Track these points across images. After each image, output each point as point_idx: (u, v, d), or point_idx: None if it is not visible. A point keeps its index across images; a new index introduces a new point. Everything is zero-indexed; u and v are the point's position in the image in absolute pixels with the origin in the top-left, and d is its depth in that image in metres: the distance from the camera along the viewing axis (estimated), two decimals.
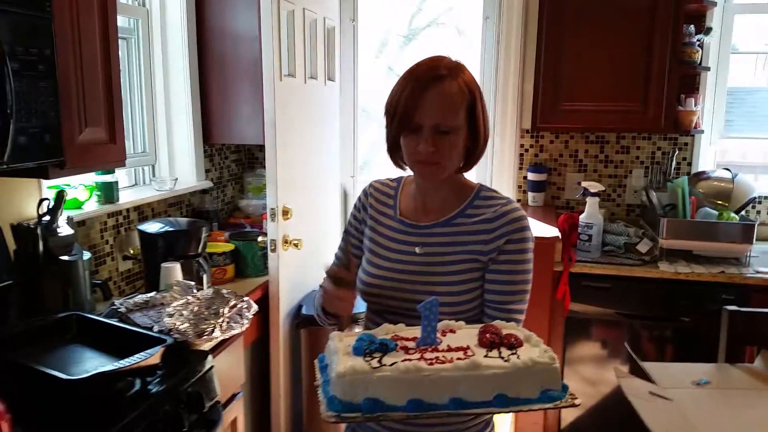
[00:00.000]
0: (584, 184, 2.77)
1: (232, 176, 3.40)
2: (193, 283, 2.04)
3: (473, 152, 1.29)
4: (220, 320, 1.73)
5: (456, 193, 1.34)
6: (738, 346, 1.85)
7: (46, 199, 1.90)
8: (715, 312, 2.01)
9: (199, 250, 2.36)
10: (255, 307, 1.85)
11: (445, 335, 1.12)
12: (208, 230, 2.41)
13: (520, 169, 3.34)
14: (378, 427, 1.33)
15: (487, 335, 1.08)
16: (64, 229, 1.92)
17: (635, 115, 2.84)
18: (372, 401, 0.98)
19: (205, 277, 2.35)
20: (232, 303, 1.80)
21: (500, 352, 1.04)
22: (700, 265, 2.63)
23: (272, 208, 2.56)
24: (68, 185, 2.29)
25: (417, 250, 1.33)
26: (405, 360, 1.01)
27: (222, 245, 2.68)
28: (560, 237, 2.67)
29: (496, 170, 3.33)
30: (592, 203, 2.74)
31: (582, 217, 2.76)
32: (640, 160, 3.22)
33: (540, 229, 2.74)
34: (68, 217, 2.01)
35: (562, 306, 2.68)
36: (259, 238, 2.69)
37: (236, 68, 2.93)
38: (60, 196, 1.87)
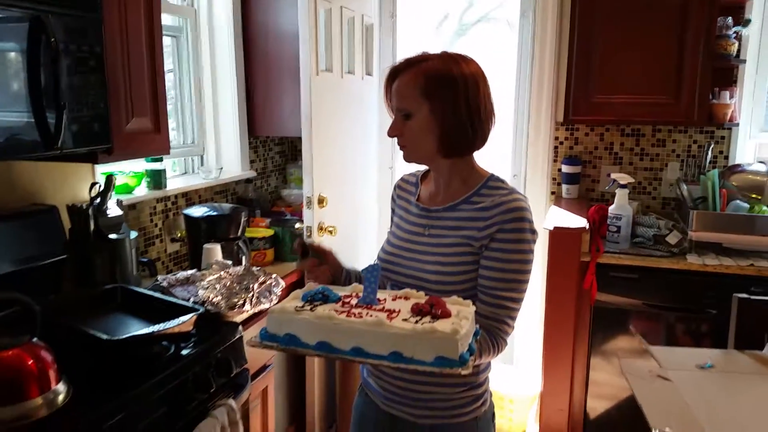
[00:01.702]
0: (614, 175, 2.80)
1: (275, 167, 3.56)
2: (230, 262, 2.20)
3: (450, 136, 1.35)
4: (250, 295, 1.88)
5: (464, 181, 1.42)
6: (753, 334, 1.87)
7: (97, 183, 2.08)
8: None
9: (239, 233, 2.52)
10: (282, 284, 1.99)
11: (395, 300, 1.24)
12: (247, 215, 2.57)
13: (555, 161, 3.37)
14: (377, 384, 1.46)
15: (419, 304, 1.18)
16: (113, 211, 2.10)
17: (668, 107, 2.84)
18: (290, 336, 1.16)
19: (244, 258, 2.52)
20: (261, 279, 1.95)
21: (418, 320, 1.13)
22: (730, 257, 2.62)
23: (308, 197, 2.70)
24: (121, 172, 2.49)
25: (426, 232, 1.42)
26: (331, 310, 1.16)
27: (263, 231, 2.85)
28: (587, 228, 2.70)
29: (531, 162, 3.37)
30: (621, 195, 2.76)
31: (611, 209, 2.78)
32: (675, 153, 3.21)
33: (567, 220, 2.78)
34: (118, 200, 2.20)
35: (589, 296, 2.72)
36: (296, 225, 2.84)
37: (279, 64, 3.08)
38: (109, 181, 2.05)
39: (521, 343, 3.55)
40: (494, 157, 3.95)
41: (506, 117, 3.62)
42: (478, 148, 1.41)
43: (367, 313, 1.15)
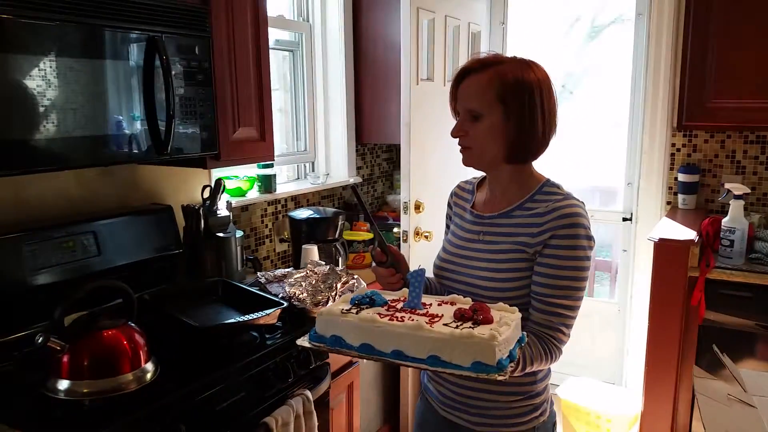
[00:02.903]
0: (728, 185, 2.60)
1: (382, 173, 3.68)
2: (323, 262, 2.33)
3: (518, 143, 1.34)
4: (333, 293, 1.99)
5: (519, 187, 1.41)
6: None
7: (209, 186, 2.30)
8: None
9: (337, 235, 2.65)
10: (363, 284, 2.07)
11: (440, 305, 1.27)
12: (344, 219, 2.70)
13: (671, 169, 3.19)
14: (435, 390, 1.50)
15: (462, 309, 1.21)
16: (222, 212, 2.31)
17: None
18: (335, 338, 1.23)
19: (340, 259, 2.65)
20: (344, 279, 2.05)
21: (459, 325, 1.16)
22: None
23: (405, 202, 2.78)
24: (235, 176, 2.72)
25: (480, 238, 1.43)
26: (375, 313, 1.21)
27: (363, 234, 2.97)
28: (696, 240, 2.54)
29: (645, 170, 3.23)
30: (736, 206, 2.56)
31: (724, 221, 2.59)
32: None
33: (676, 231, 2.63)
34: (228, 202, 2.41)
35: (697, 313, 2.56)
36: (395, 229, 2.93)
37: (386, 73, 3.18)
38: (218, 184, 2.26)
39: (630, 362, 3.40)
40: (608, 164, 3.81)
41: (621, 122, 3.48)
42: (541, 154, 1.41)
43: (410, 317, 1.20)
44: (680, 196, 3.13)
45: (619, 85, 3.53)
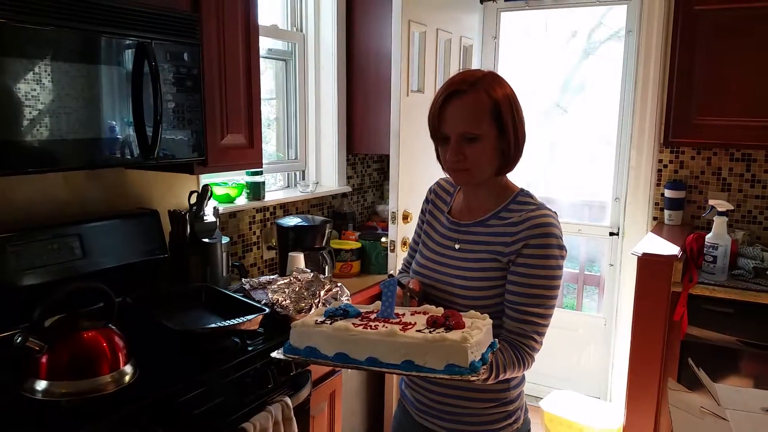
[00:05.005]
0: (712, 201, 2.63)
1: (372, 183, 3.71)
2: (308, 270, 2.34)
3: (507, 156, 1.37)
4: (316, 300, 2.00)
5: (495, 196, 1.43)
6: None
7: (195, 191, 2.31)
8: None
9: (324, 244, 2.67)
10: (347, 293, 2.09)
11: (413, 315, 1.29)
12: (331, 228, 2.71)
13: (658, 185, 3.22)
14: (411, 396, 1.51)
15: (434, 316, 1.24)
16: (209, 217, 2.32)
17: None
18: (310, 349, 1.24)
19: (327, 268, 2.66)
20: (327, 287, 2.07)
21: (431, 330, 1.18)
22: None
23: (393, 212, 2.80)
24: (224, 183, 2.74)
25: (456, 246, 1.45)
26: (349, 323, 1.23)
27: (351, 243, 2.98)
28: (679, 256, 2.57)
29: (632, 185, 3.26)
30: (719, 223, 2.59)
31: (708, 237, 2.62)
32: None
33: (659, 247, 2.66)
34: (214, 208, 2.42)
35: (678, 328, 2.58)
36: (382, 239, 2.94)
37: (378, 84, 3.20)
38: (205, 190, 2.27)
39: (615, 376, 3.41)
40: (595, 179, 3.84)
41: (611, 140, 3.52)
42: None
43: (383, 326, 1.22)
44: (666, 212, 3.16)
45: (610, 103, 3.57)
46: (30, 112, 1.44)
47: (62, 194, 1.99)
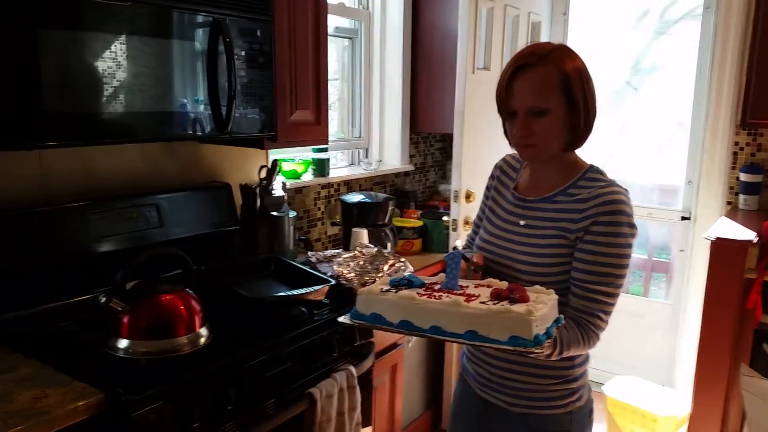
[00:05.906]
0: None
1: (435, 162, 3.70)
2: (372, 245, 2.37)
3: (576, 131, 1.34)
4: (380, 275, 2.03)
5: (563, 172, 1.41)
6: None
7: (266, 166, 2.37)
8: None
9: (386, 221, 2.70)
10: (410, 267, 2.11)
11: (477, 287, 1.29)
12: (394, 205, 2.73)
13: (734, 168, 3.09)
14: (473, 370, 1.52)
15: (498, 289, 1.24)
16: (277, 192, 2.38)
17: None
18: (375, 315, 1.27)
19: (389, 244, 2.69)
20: (390, 262, 2.09)
21: (495, 303, 1.18)
22: None
23: (456, 191, 2.80)
24: (291, 159, 2.80)
25: (521, 222, 1.43)
26: (413, 292, 1.25)
27: (413, 221, 3.00)
28: (755, 241, 2.47)
29: (706, 168, 3.14)
30: None
31: None
32: None
33: (733, 232, 2.56)
34: (283, 183, 2.48)
35: (752, 316, 2.48)
36: (444, 218, 2.95)
37: (443, 62, 3.19)
38: (274, 165, 2.33)
39: (681, 364, 3.32)
40: (667, 162, 3.72)
41: (685, 122, 3.39)
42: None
43: (447, 296, 1.23)
44: (741, 197, 3.03)
45: (685, 83, 3.44)
46: (108, 86, 1.51)
47: (140, 166, 2.09)
